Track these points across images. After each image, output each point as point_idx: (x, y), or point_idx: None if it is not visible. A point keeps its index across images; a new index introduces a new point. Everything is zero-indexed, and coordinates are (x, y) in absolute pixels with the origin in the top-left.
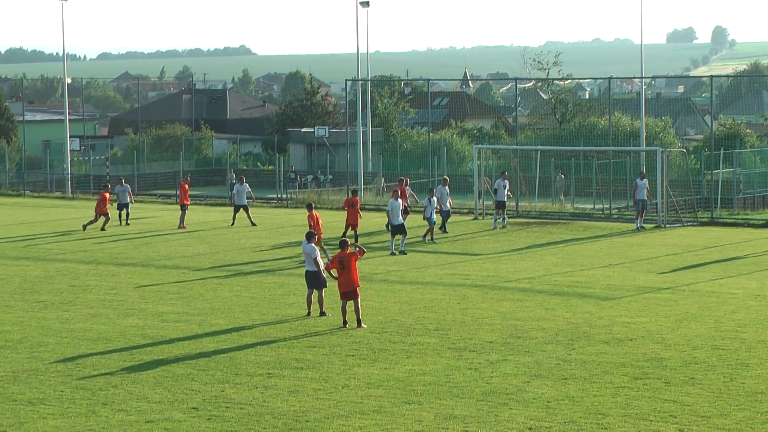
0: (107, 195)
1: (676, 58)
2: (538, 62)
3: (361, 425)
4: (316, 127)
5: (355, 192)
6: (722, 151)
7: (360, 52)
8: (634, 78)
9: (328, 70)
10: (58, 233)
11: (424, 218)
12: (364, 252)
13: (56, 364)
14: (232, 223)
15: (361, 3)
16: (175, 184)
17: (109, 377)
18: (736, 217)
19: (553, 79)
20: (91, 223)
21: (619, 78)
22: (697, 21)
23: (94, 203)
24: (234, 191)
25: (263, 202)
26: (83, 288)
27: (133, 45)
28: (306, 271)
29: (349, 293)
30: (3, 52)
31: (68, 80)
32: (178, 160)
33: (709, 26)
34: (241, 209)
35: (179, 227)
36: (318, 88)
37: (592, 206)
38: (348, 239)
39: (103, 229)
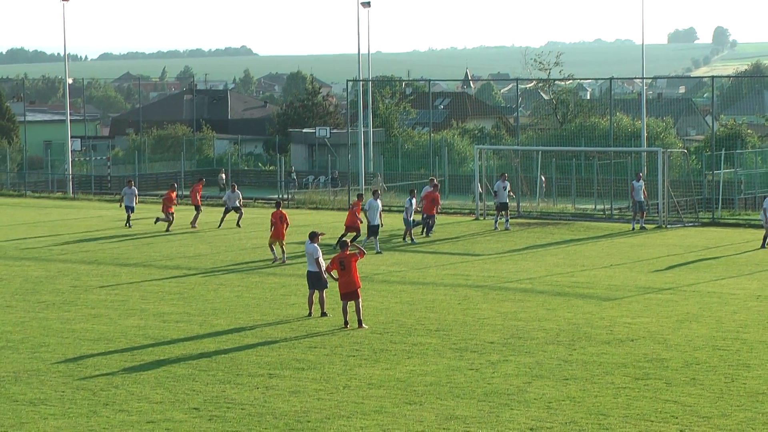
0: (173, 195)
1: (677, 58)
2: (540, 62)
3: (362, 426)
4: (318, 128)
5: (360, 196)
6: (723, 152)
7: (361, 52)
8: (636, 78)
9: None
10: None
11: (403, 219)
12: (365, 253)
13: (57, 365)
14: (219, 225)
15: (363, 3)
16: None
17: (111, 377)
18: (737, 217)
19: (555, 80)
20: (166, 221)
21: (620, 78)
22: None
23: (95, 203)
24: (225, 198)
25: (264, 203)
26: (84, 288)
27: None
28: (308, 271)
29: (349, 294)
30: (4, 53)
31: (69, 80)
32: (180, 161)
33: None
34: (233, 210)
35: (191, 226)
36: (319, 89)
37: (594, 207)
38: (348, 240)
39: (166, 229)
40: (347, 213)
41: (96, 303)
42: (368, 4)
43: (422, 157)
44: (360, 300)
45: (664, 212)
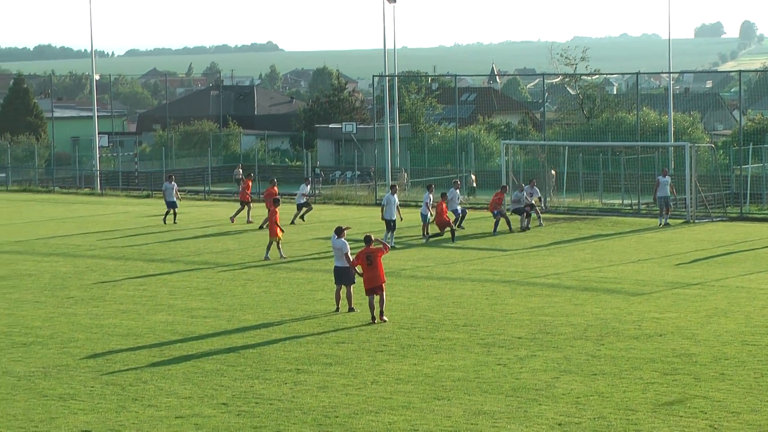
0: (250, 182)
1: (704, 53)
2: (566, 57)
3: (390, 421)
4: (344, 123)
5: (443, 195)
6: (751, 146)
7: (387, 48)
8: (662, 73)
9: (356, 66)
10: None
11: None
12: (389, 248)
13: (86, 360)
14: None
15: None
16: (203, 180)
17: (139, 373)
18: (765, 212)
19: (581, 75)
20: (236, 213)
21: (646, 73)
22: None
23: (122, 199)
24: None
25: (291, 199)
26: (113, 284)
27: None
28: (335, 266)
29: (375, 289)
30: (32, 49)
31: (96, 77)
32: (206, 156)
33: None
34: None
35: (247, 221)
36: (345, 84)
37: (621, 202)
38: (372, 234)
39: (249, 221)
40: (435, 213)
41: (124, 299)
42: (394, 0)
43: (448, 152)
44: (384, 294)
45: (691, 207)
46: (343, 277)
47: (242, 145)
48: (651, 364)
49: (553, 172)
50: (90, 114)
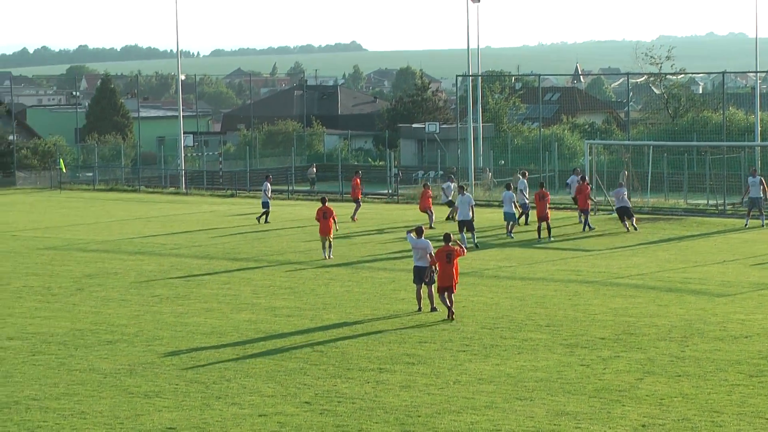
0: (359, 180)
1: None
2: (651, 57)
3: (472, 421)
4: (427, 123)
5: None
6: None
7: (470, 47)
8: (749, 72)
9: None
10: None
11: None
12: (465, 251)
13: (171, 358)
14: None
15: None
16: (286, 179)
17: (223, 371)
18: None
19: (666, 74)
20: (356, 212)
21: (733, 72)
22: None
23: (207, 198)
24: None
25: (374, 198)
26: (197, 282)
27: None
28: (415, 266)
29: (447, 287)
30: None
31: (182, 77)
32: (290, 156)
33: None
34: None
35: (352, 219)
36: (429, 84)
37: (706, 202)
38: (451, 233)
39: (352, 218)
40: (537, 206)
41: (208, 297)
42: (478, 0)
43: (532, 152)
44: (453, 294)
45: None
46: (424, 276)
47: (325, 144)
48: (736, 366)
49: (626, 172)
50: (175, 114)
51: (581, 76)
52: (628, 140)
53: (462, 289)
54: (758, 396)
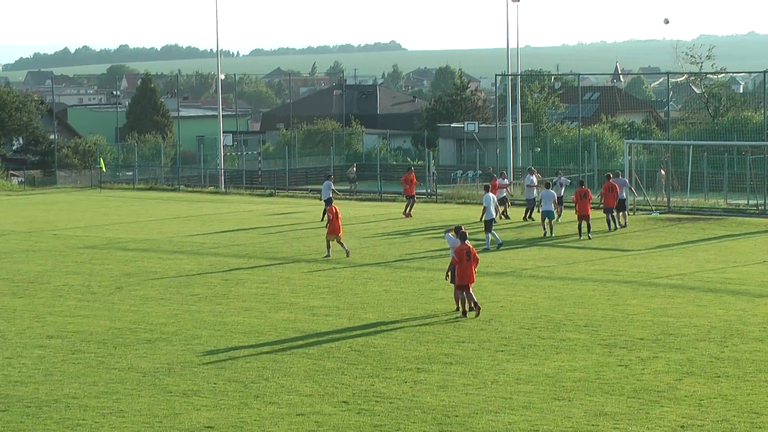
0: (413, 177)
1: None
2: (691, 56)
3: (510, 421)
4: (466, 123)
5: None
6: None
7: (510, 47)
8: None
9: (478, 65)
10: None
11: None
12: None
13: (209, 356)
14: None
15: None
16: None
17: (261, 370)
18: None
19: (706, 73)
20: (410, 208)
21: None
22: None
23: (246, 197)
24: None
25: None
26: (235, 282)
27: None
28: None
29: (465, 286)
30: (159, 49)
31: (222, 76)
32: (329, 155)
33: None
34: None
35: (405, 215)
36: (468, 83)
37: (746, 202)
38: (466, 231)
39: (407, 214)
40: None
41: (247, 296)
42: None
43: (571, 152)
44: (471, 293)
45: None
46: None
47: (364, 144)
48: None
49: (662, 171)
50: (215, 113)
51: (621, 76)
52: (668, 140)
53: (500, 288)
54: None
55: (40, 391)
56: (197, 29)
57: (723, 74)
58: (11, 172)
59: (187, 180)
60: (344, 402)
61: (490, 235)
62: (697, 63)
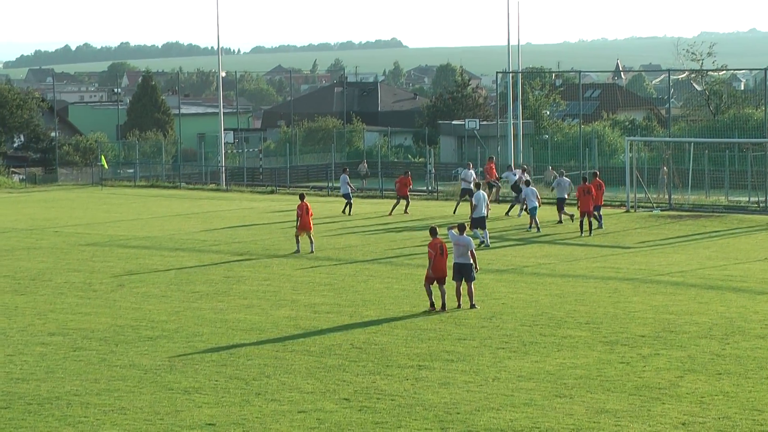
0: (408, 180)
1: None
2: (692, 53)
3: (512, 418)
4: (467, 120)
5: (596, 175)
6: None
7: (511, 44)
8: None
9: (479, 63)
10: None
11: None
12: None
13: (211, 354)
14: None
15: None
16: (327, 176)
17: (262, 367)
18: None
19: (707, 70)
20: (404, 207)
21: None
22: None
23: (247, 195)
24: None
25: (413, 195)
26: (237, 279)
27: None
28: (455, 263)
29: (441, 279)
30: (160, 47)
31: (223, 74)
32: (330, 153)
33: None
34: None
35: (405, 212)
36: (468, 81)
37: (747, 199)
38: (437, 227)
39: (405, 212)
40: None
41: (248, 293)
42: None
43: (572, 149)
44: (445, 286)
45: None
46: (464, 273)
47: (365, 141)
48: None
49: (665, 168)
50: (216, 110)
51: (622, 73)
52: (669, 137)
53: (501, 285)
54: None
55: (41, 389)
56: (198, 27)
57: (724, 71)
58: (12, 169)
59: (188, 177)
60: (346, 399)
61: (481, 231)
62: (698, 60)
